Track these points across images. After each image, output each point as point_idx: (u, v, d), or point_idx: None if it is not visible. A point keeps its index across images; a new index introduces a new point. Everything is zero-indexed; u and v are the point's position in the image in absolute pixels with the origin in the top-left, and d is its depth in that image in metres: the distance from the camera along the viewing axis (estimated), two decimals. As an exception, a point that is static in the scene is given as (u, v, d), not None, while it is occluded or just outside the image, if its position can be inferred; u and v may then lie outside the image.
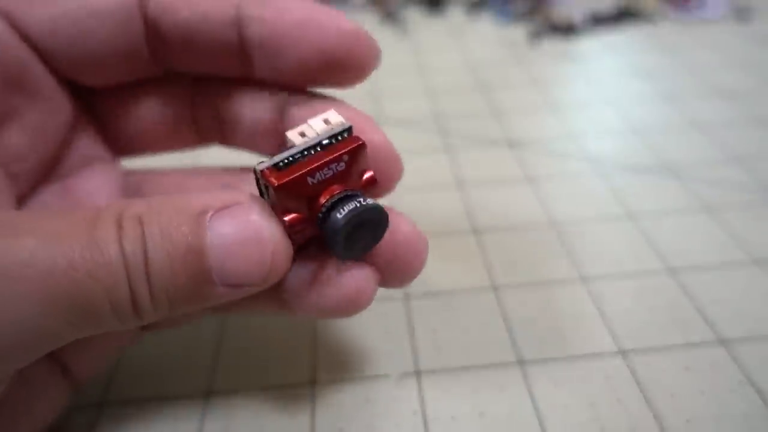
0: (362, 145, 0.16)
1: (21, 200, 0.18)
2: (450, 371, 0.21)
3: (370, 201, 0.15)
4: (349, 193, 0.15)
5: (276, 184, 0.14)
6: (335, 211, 0.15)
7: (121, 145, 0.21)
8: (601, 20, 0.50)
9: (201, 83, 0.20)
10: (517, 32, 0.50)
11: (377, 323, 0.23)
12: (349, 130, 0.16)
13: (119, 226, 0.14)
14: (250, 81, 0.19)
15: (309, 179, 0.15)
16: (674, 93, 0.39)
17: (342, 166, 0.15)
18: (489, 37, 0.50)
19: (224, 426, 0.20)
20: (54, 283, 0.13)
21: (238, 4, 0.17)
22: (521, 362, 0.21)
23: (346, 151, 0.15)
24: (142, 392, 0.21)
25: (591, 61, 0.44)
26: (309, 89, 0.19)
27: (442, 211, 0.29)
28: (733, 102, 0.37)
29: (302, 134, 0.15)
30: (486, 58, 0.46)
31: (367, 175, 0.16)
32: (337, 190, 0.15)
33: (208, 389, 0.21)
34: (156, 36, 0.18)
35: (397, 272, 0.17)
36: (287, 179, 0.14)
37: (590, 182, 0.30)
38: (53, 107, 0.18)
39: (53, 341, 0.14)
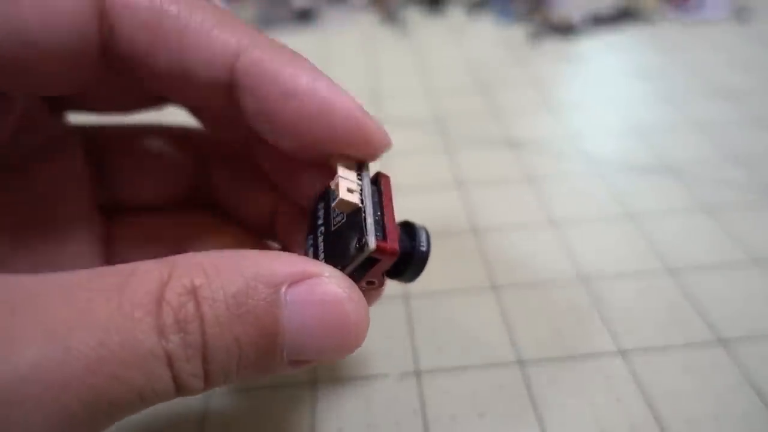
0: (389, 178, 0.17)
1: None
2: (450, 371, 0.21)
3: (415, 222, 0.17)
4: (403, 224, 0.17)
5: (396, 251, 0.14)
6: (416, 246, 0.16)
7: (114, 202, 0.19)
8: (600, 20, 0.50)
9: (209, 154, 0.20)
10: (517, 32, 0.50)
11: (377, 323, 0.23)
12: (377, 174, 0.17)
13: (158, 304, 0.11)
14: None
15: (393, 237, 0.14)
16: (674, 93, 0.39)
17: (392, 206, 0.16)
18: (489, 38, 0.50)
19: (224, 426, 0.20)
20: (67, 397, 0.10)
21: (233, 64, 0.14)
22: (521, 362, 0.21)
23: (382, 184, 0.16)
24: (142, 392, 0.21)
25: (591, 62, 0.44)
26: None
27: (442, 211, 0.29)
28: (733, 102, 0.37)
29: (350, 191, 0.15)
30: (486, 58, 0.46)
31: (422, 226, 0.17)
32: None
33: (208, 389, 0.21)
34: (126, 71, 0.15)
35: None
36: (398, 244, 0.14)
37: (590, 182, 0.30)
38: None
39: None
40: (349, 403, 0.20)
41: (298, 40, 0.51)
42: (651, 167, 0.31)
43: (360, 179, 0.16)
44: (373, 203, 0.15)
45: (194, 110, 0.19)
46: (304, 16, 0.55)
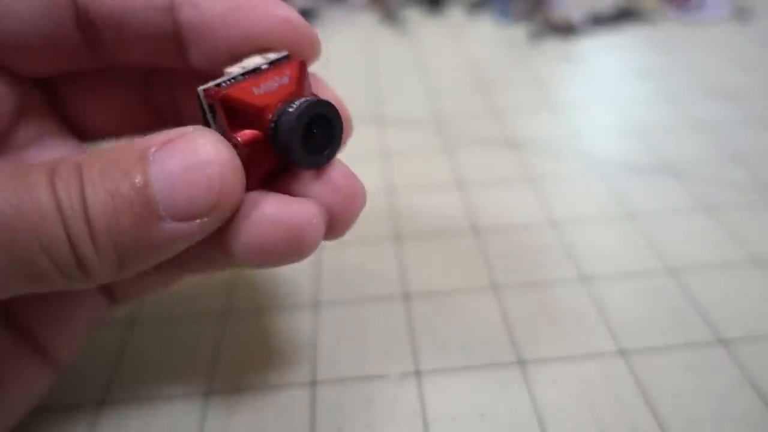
0: (302, 63, 0.16)
1: None
2: (450, 371, 0.21)
3: (321, 98, 0.15)
4: (295, 100, 0.15)
5: (222, 94, 0.14)
6: (285, 113, 0.14)
7: (78, 129, 0.20)
8: (601, 20, 0.50)
9: (152, 68, 0.20)
10: (517, 32, 0.50)
11: (377, 323, 0.23)
12: (287, 56, 0.16)
13: (53, 172, 0.13)
14: (193, 69, 0.18)
15: (254, 90, 0.15)
16: (674, 93, 0.39)
17: (285, 81, 0.15)
18: (489, 37, 0.50)
19: (224, 426, 0.20)
20: None
21: None
22: (521, 362, 0.21)
23: (290, 68, 0.15)
24: (142, 392, 0.21)
25: (591, 61, 0.44)
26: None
27: (442, 211, 0.29)
28: (733, 102, 0.37)
29: (242, 67, 0.15)
30: (486, 58, 0.46)
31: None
32: (284, 100, 0.15)
33: (208, 389, 0.21)
34: (87, 23, 0.17)
35: (332, 221, 0.16)
36: (232, 89, 0.14)
37: (590, 182, 0.30)
38: None
39: None
40: (349, 403, 0.20)
41: (298, 39, 0.51)
42: (651, 167, 0.31)
43: (267, 60, 0.16)
44: (252, 72, 0.15)
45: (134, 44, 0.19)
46: (305, 16, 0.55)
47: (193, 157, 0.13)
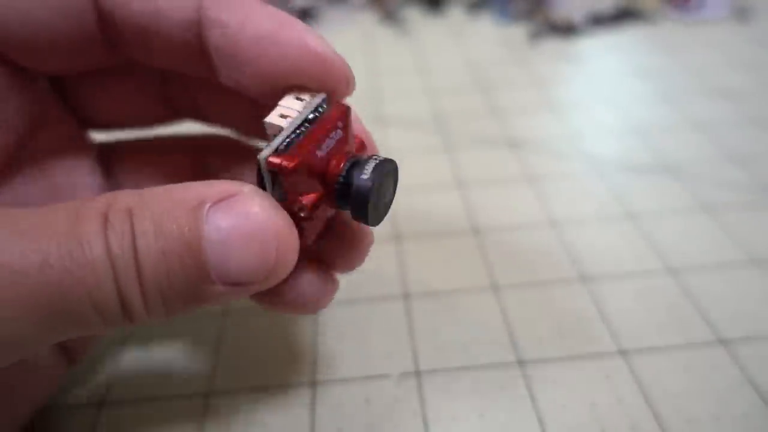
0: (349, 109, 0.15)
1: None
2: (450, 371, 0.21)
3: (380, 156, 0.15)
4: (357, 157, 0.15)
5: (290, 166, 0.13)
6: (357, 175, 0.14)
7: (93, 122, 0.20)
8: (601, 20, 0.50)
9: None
10: (517, 32, 0.50)
11: (377, 323, 0.23)
12: (327, 98, 0.15)
13: (105, 220, 0.13)
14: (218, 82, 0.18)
15: (318, 152, 0.14)
16: (674, 93, 0.39)
17: (340, 134, 0.15)
18: (489, 37, 0.50)
19: (224, 426, 0.20)
20: (27, 283, 0.12)
21: (200, 5, 0.16)
22: (521, 362, 0.21)
23: (339, 117, 0.15)
24: (142, 392, 0.21)
25: (591, 61, 0.44)
26: None
27: (442, 211, 0.29)
28: (733, 102, 0.37)
29: (283, 116, 0.14)
30: (486, 58, 0.46)
31: (358, 139, 0.16)
32: (345, 157, 0.14)
33: (208, 389, 0.21)
34: (111, 27, 0.16)
35: (347, 260, 0.17)
36: (299, 159, 0.13)
37: (590, 182, 0.30)
38: (8, 91, 0.17)
39: (31, 346, 0.13)
40: (349, 404, 0.20)
41: (298, 39, 0.51)
42: (651, 167, 0.31)
43: (310, 106, 0.15)
44: (301, 127, 0.14)
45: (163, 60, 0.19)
46: (305, 16, 0.55)
47: (249, 225, 0.13)
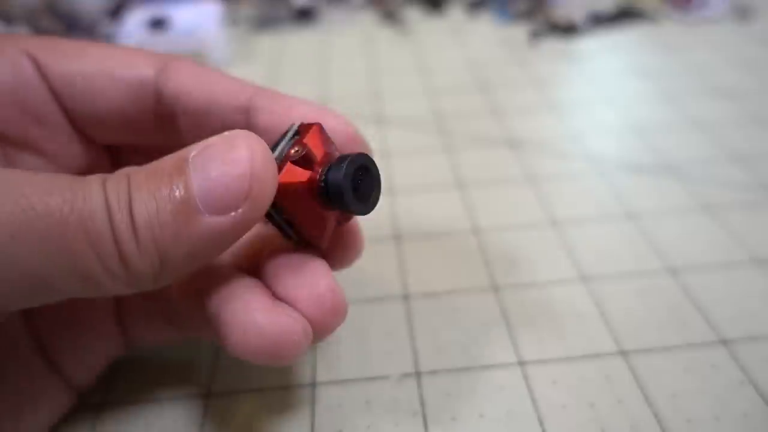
0: (319, 125, 0.17)
1: None
2: (450, 371, 0.21)
3: (352, 154, 0.16)
4: (332, 161, 0.16)
5: (318, 125, 0.16)
6: (330, 173, 0.16)
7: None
8: (601, 20, 0.50)
9: None
10: (517, 32, 0.50)
11: (377, 323, 0.23)
12: (301, 127, 0.17)
13: (104, 179, 0.14)
14: None
15: (324, 146, 0.16)
16: (675, 92, 0.39)
17: (328, 145, 0.17)
18: (489, 37, 0.50)
19: (224, 426, 0.20)
20: (30, 214, 0.13)
21: (252, 96, 0.19)
22: (521, 362, 0.21)
23: (309, 132, 0.17)
24: (142, 393, 0.21)
25: (591, 61, 0.44)
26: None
27: (442, 211, 0.29)
28: (733, 101, 0.37)
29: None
30: (486, 58, 0.46)
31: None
32: (321, 166, 0.16)
33: (208, 389, 0.21)
34: (166, 113, 0.19)
35: (316, 327, 0.17)
36: (318, 136, 0.16)
37: (590, 182, 0.30)
38: (68, 141, 0.19)
39: (41, 285, 0.14)
40: (349, 404, 0.20)
41: (298, 39, 0.51)
42: (651, 167, 0.31)
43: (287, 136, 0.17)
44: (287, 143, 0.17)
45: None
46: (305, 16, 0.55)
47: (229, 153, 0.14)
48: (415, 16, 0.55)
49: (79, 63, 0.19)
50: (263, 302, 0.16)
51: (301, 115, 0.18)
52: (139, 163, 0.21)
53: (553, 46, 0.47)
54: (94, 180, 0.14)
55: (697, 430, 0.18)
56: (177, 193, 0.14)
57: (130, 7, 0.51)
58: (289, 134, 0.17)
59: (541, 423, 0.19)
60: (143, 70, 0.19)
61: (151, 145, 0.21)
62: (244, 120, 0.19)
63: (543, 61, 0.45)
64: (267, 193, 0.15)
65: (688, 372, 0.20)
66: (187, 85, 0.19)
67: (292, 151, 0.16)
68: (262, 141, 0.15)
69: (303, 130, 0.17)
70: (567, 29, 0.49)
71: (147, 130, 0.20)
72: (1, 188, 0.13)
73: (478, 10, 0.55)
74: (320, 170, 0.16)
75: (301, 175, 0.16)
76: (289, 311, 0.16)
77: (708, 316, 0.22)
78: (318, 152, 0.16)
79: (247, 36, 0.52)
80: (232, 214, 0.14)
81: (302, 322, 0.16)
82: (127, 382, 0.21)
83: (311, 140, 0.16)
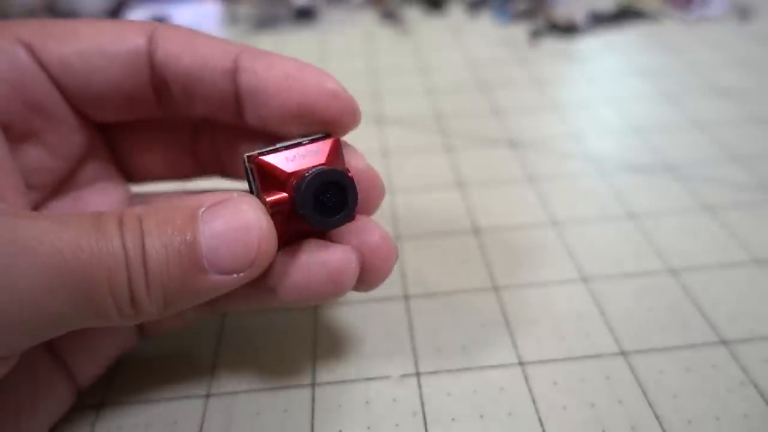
0: (337, 140, 0.18)
1: (34, 209, 0.20)
2: (450, 372, 0.21)
3: (337, 168, 0.16)
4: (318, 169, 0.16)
5: (256, 159, 0.16)
6: (302, 179, 0.16)
7: (129, 172, 0.23)
8: (601, 19, 0.50)
9: (203, 122, 0.22)
10: (518, 31, 0.50)
11: (377, 323, 0.23)
12: (327, 135, 0.18)
13: (121, 222, 0.15)
14: (244, 126, 0.20)
15: (287, 159, 0.16)
16: (675, 92, 0.39)
17: (317, 153, 0.17)
18: (489, 37, 0.50)
19: (224, 426, 0.20)
20: (61, 260, 0.14)
21: (237, 57, 0.18)
22: (521, 363, 0.21)
23: (320, 140, 0.17)
24: (142, 393, 0.21)
25: (591, 61, 0.44)
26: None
27: (442, 211, 0.29)
28: (733, 101, 0.37)
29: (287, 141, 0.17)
30: (486, 58, 0.46)
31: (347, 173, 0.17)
32: (303, 173, 0.16)
33: (208, 389, 0.21)
34: (161, 82, 0.19)
35: (368, 273, 0.18)
36: (267, 156, 0.16)
37: (591, 182, 0.30)
38: (69, 130, 0.20)
39: (56, 324, 0.14)
40: (349, 405, 0.20)
41: (298, 38, 0.51)
42: (651, 167, 0.31)
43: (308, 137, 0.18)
44: (292, 146, 0.17)
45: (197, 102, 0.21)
46: (304, 15, 0.55)
47: (237, 221, 0.15)
48: (415, 15, 0.55)
49: (72, 44, 0.18)
50: (315, 242, 0.17)
51: (281, 74, 0.18)
52: (135, 143, 0.22)
53: (553, 45, 0.47)
54: (112, 221, 0.15)
55: (698, 430, 0.18)
56: (186, 251, 0.15)
57: (130, 6, 0.51)
58: (308, 138, 0.17)
59: (541, 423, 0.19)
60: (135, 40, 0.19)
61: (150, 121, 0.21)
62: (230, 84, 0.19)
63: (543, 61, 0.44)
64: (268, 262, 0.16)
65: (688, 372, 0.20)
66: (175, 49, 0.19)
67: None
68: (265, 210, 0.16)
69: (322, 138, 0.18)
70: (567, 29, 0.49)
71: (147, 103, 0.20)
72: (35, 235, 0.14)
73: (478, 9, 0.55)
74: (301, 177, 0.16)
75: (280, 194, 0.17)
76: (339, 245, 0.17)
77: (708, 316, 0.22)
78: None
79: (246, 36, 0.52)
80: (235, 275, 0.15)
81: (354, 251, 0.17)
82: (127, 382, 0.21)
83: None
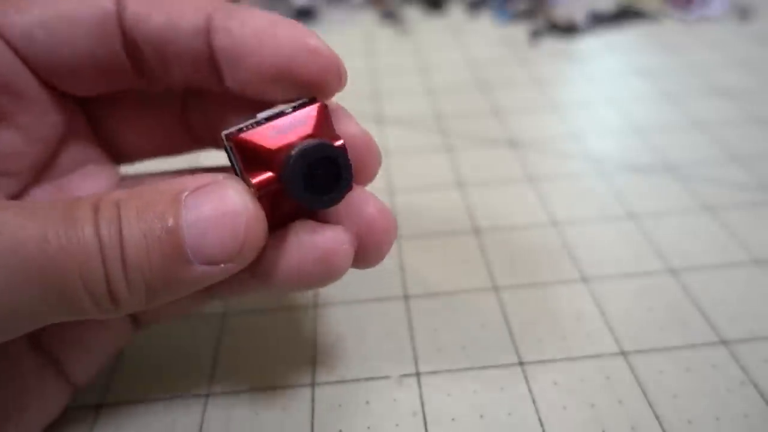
0: (323, 105, 0.16)
1: (14, 199, 0.18)
2: (450, 372, 0.21)
3: (326, 141, 0.15)
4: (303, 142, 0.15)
5: (236, 138, 0.15)
6: (290, 156, 0.14)
7: (118, 152, 0.21)
8: (601, 19, 0.50)
9: (188, 91, 0.20)
10: (518, 31, 0.50)
11: (377, 323, 0.23)
12: (312, 100, 0.16)
13: (96, 209, 0.14)
14: (233, 94, 0.18)
15: (270, 133, 0.15)
16: (675, 92, 0.39)
17: (303, 123, 0.15)
18: (489, 37, 0.50)
19: (224, 426, 0.20)
20: (25, 254, 0.13)
21: (209, 15, 0.17)
22: (521, 362, 0.21)
23: (305, 106, 0.16)
24: (141, 392, 0.21)
25: (591, 61, 0.44)
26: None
27: (442, 211, 0.29)
28: (733, 101, 0.37)
29: (268, 112, 0.16)
30: (486, 58, 0.46)
31: (338, 143, 0.16)
32: (292, 146, 0.15)
33: (208, 389, 0.21)
34: (134, 46, 0.17)
35: (366, 249, 0.16)
36: (247, 133, 0.15)
37: (591, 182, 0.30)
38: (42, 110, 0.18)
39: (27, 320, 0.14)
40: (349, 405, 0.20)
41: (298, 39, 0.51)
42: (652, 167, 0.31)
43: (292, 104, 0.16)
44: (274, 117, 0.15)
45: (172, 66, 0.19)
46: (305, 15, 0.55)
47: (222, 207, 0.14)
48: (415, 15, 0.55)
49: (33, 12, 0.17)
50: (306, 224, 0.16)
51: (252, 31, 0.16)
52: (120, 119, 0.20)
53: (553, 45, 0.47)
54: (86, 213, 0.14)
55: (698, 430, 0.18)
56: (168, 239, 0.14)
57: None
58: (292, 105, 0.16)
59: (541, 424, 0.19)
60: (101, 3, 0.17)
61: (127, 96, 0.20)
62: (204, 45, 0.17)
63: (543, 61, 0.44)
64: (256, 251, 0.15)
65: (688, 372, 0.20)
66: (144, 8, 0.17)
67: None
68: (252, 194, 0.15)
69: (306, 104, 0.16)
70: (567, 29, 0.49)
71: (124, 72, 0.18)
72: None
73: (478, 9, 0.55)
74: (287, 152, 0.15)
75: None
76: (332, 226, 0.16)
77: (708, 316, 0.22)
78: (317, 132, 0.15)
79: (246, 35, 0.52)
80: (221, 266, 0.14)
81: (346, 232, 0.16)
82: (127, 382, 0.21)
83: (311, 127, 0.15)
